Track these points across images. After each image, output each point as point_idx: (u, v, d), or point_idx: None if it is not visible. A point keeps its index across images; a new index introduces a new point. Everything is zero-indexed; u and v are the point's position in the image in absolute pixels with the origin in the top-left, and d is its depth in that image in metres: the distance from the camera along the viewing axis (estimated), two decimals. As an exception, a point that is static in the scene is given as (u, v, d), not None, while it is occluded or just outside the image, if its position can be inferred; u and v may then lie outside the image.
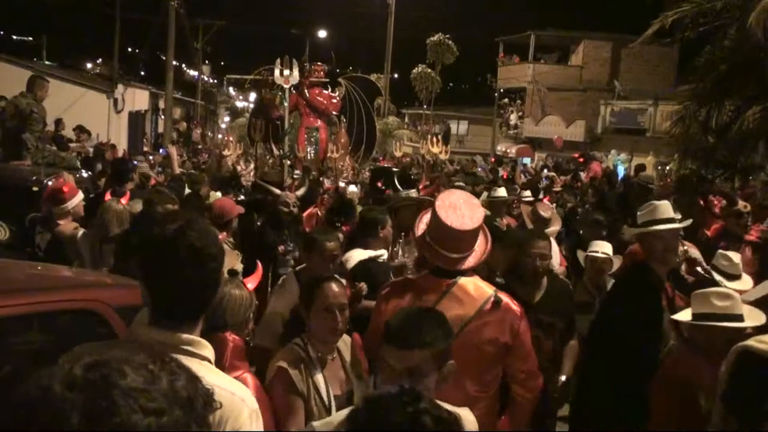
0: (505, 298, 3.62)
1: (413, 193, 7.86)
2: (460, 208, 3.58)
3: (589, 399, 4.61)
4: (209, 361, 2.12)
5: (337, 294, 3.51)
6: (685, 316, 3.94)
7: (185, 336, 2.08)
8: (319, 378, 3.43)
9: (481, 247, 3.68)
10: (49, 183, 7.30)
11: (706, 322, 3.76)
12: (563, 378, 4.86)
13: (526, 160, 33.46)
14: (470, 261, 3.62)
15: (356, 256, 5.50)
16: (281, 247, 6.88)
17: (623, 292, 4.75)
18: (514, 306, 3.64)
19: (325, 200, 9.30)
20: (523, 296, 4.36)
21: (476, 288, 3.61)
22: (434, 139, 13.36)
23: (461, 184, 10.95)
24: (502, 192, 8.39)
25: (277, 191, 8.02)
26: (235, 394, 2.07)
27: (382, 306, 3.75)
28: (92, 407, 0.98)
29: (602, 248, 6.43)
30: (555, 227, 6.82)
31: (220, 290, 3.37)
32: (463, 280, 3.60)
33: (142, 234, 2.19)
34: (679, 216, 4.66)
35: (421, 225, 3.78)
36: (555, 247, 6.50)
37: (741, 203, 8.48)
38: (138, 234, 5.94)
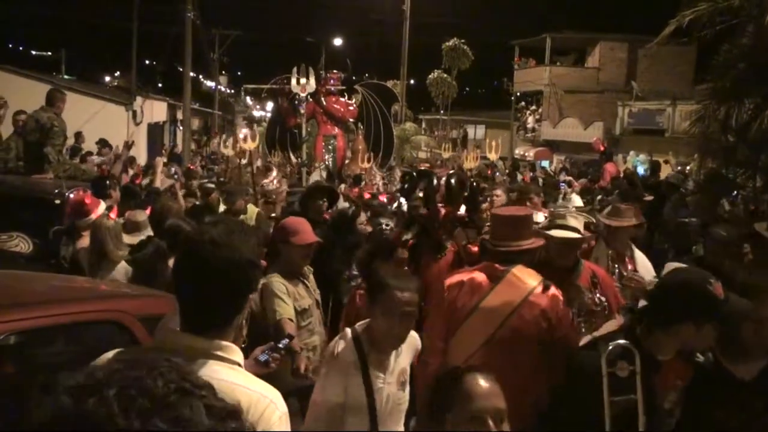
0: (551, 284, 3.98)
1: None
2: (510, 208, 4.65)
3: None
4: (239, 365, 2.12)
5: (408, 300, 3.38)
6: None
7: (215, 341, 2.08)
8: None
9: (533, 244, 4.17)
10: (71, 196, 7.37)
11: None
12: None
13: (545, 163, 33.36)
14: (521, 247, 4.07)
15: None
16: (346, 272, 6.20)
17: None
18: (559, 294, 3.99)
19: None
20: (734, 370, 3.42)
21: (527, 274, 4.01)
22: (493, 144, 12.13)
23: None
24: (577, 201, 7.31)
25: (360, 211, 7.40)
26: (266, 397, 2.07)
27: (445, 292, 4.11)
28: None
29: None
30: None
31: None
32: (517, 269, 4.01)
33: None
34: None
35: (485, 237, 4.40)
36: (645, 262, 6.04)
37: None
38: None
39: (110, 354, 2.12)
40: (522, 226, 4.18)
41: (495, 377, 2.48)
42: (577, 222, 5.01)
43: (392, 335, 3.43)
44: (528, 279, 3.99)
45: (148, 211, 6.57)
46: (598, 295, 4.70)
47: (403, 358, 3.60)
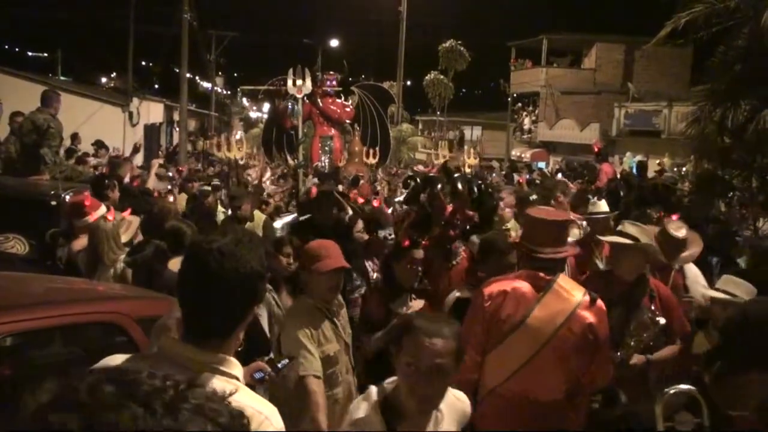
0: (597, 296, 3.79)
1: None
2: (547, 210, 4.10)
3: None
4: (237, 379, 2.09)
5: (440, 350, 2.55)
6: None
7: (215, 355, 2.06)
8: None
9: (571, 248, 4.03)
10: (67, 197, 7.35)
11: None
12: None
13: (541, 165, 33.38)
14: (561, 255, 3.84)
15: (459, 293, 4.95)
16: (348, 285, 5.74)
17: None
18: (603, 307, 3.79)
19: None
20: None
21: (571, 285, 3.83)
22: (471, 151, 12.48)
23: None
24: (603, 206, 6.68)
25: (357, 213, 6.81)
26: (261, 413, 2.03)
27: (485, 301, 3.81)
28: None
29: (736, 288, 4.52)
30: (693, 250, 5.51)
31: None
32: (562, 278, 3.81)
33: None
34: None
35: (516, 238, 4.08)
36: (698, 277, 5.61)
37: None
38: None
39: (113, 357, 2.13)
40: (564, 232, 3.96)
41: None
42: (637, 230, 4.67)
43: (417, 394, 2.57)
44: (574, 290, 3.78)
45: (127, 213, 6.50)
46: (653, 309, 4.44)
47: (445, 426, 2.74)
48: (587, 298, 3.71)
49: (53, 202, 7.68)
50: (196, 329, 2.09)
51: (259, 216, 8.65)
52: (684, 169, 18.81)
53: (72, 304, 3.91)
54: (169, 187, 11.21)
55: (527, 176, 20.62)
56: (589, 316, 3.66)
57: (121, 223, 6.20)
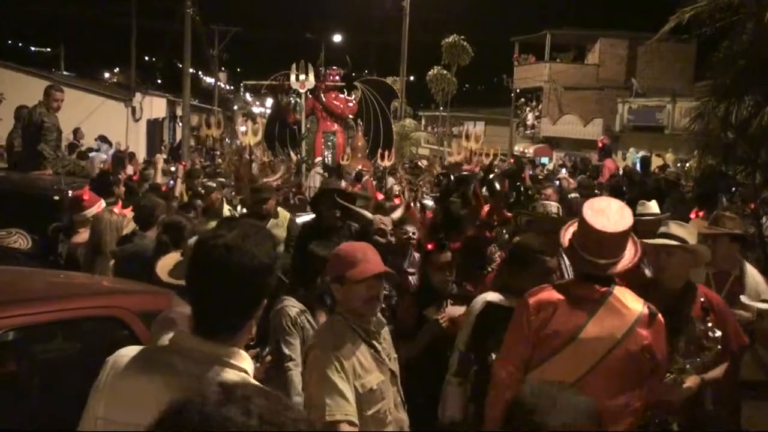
0: (657, 312, 3.41)
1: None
2: (607, 213, 3.39)
3: None
4: (246, 372, 2.10)
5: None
6: None
7: (225, 347, 2.07)
8: None
9: (630, 254, 3.47)
10: (70, 192, 7.36)
11: None
12: None
13: (544, 160, 33.36)
14: (618, 266, 3.41)
15: (489, 297, 4.33)
16: None
17: None
18: (663, 321, 3.43)
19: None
20: None
21: (629, 298, 3.42)
22: (473, 132, 12.19)
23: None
24: (653, 207, 6.02)
25: (369, 215, 6.04)
26: None
27: (531, 314, 3.45)
28: None
29: None
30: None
31: None
32: (618, 290, 3.41)
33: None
34: None
35: (567, 234, 3.59)
36: (760, 285, 5.13)
37: None
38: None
39: (127, 349, 2.16)
40: (625, 240, 3.46)
41: None
42: (684, 231, 4.22)
43: None
44: (631, 303, 3.39)
45: (128, 210, 6.49)
46: (709, 324, 3.90)
47: None
48: (646, 311, 3.35)
49: (56, 197, 7.69)
50: (205, 324, 2.10)
51: (284, 214, 7.87)
52: (687, 164, 18.79)
53: (74, 299, 3.91)
54: (172, 182, 11.15)
55: (530, 172, 20.60)
56: (648, 335, 3.32)
57: (123, 219, 6.22)
